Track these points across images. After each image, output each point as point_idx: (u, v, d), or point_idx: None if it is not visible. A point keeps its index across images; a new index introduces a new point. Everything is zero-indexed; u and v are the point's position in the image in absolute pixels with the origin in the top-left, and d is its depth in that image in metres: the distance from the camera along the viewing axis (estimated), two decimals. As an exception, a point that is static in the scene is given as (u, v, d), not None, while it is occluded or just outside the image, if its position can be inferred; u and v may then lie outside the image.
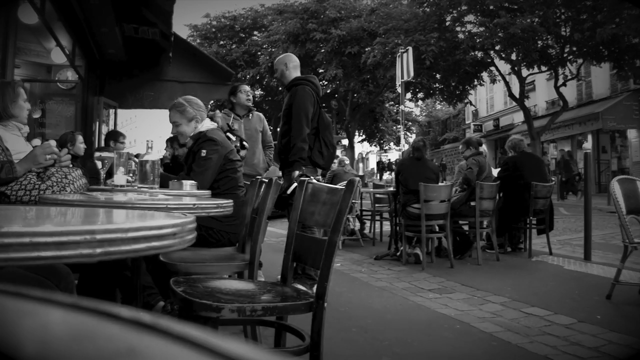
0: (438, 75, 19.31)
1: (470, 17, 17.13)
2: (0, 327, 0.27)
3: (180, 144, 3.36)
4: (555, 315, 3.15)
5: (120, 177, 2.51)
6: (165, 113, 3.12)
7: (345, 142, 23.38)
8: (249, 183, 2.94)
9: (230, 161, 2.94)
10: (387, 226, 6.97)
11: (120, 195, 2.07)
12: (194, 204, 1.74)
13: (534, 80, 21.83)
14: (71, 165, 2.34)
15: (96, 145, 6.98)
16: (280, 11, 20.08)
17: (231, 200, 2.02)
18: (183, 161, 3.14)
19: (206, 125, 2.99)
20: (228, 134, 3.48)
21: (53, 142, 2.16)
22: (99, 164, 2.57)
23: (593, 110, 18.90)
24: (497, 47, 16.59)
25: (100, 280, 2.28)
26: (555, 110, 19.63)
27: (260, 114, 4.47)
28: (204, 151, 2.83)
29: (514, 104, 21.23)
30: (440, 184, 5.19)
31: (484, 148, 7.20)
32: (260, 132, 4.34)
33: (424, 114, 38.62)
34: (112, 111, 8.36)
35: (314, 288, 2.11)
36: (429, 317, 3.11)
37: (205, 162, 2.82)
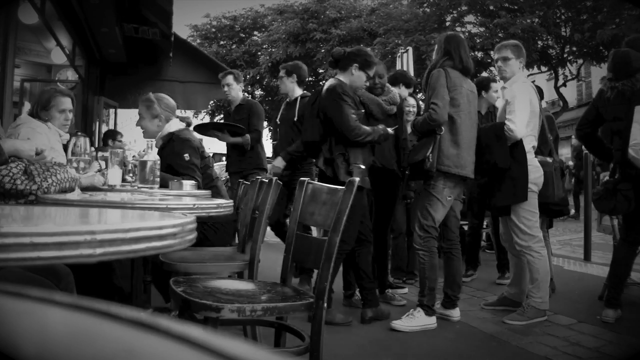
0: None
1: (470, 18, 17.12)
2: (0, 327, 0.27)
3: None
4: (555, 316, 3.15)
5: (114, 175, 2.49)
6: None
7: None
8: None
9: (203, 158, 2.98)
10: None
11: (120, 195, 2.07)
12: (194, 204, 1.74)
13: (534, 81, 21.64)
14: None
15: (96, 145, 6.99)
16: (281, 11, 20.05)
17: (231, 201, 2.02)
18: None
19: (175, 125, 2.97)
20: None
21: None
22: (102, 163, 2.57)
23: (593, 110, 18.84)
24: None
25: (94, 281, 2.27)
26: (555, 110, 19.59)
27: None
28: (186, 155, 2.83)
29: (514, 104, 21.20)
30: None
31: None
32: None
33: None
34: (112, 111, 8.36)
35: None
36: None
37: (192, 163, 2.84)
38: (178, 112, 3.25)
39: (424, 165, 2.93)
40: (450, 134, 2.99)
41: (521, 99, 3.12)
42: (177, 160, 2.83)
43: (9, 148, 1.97)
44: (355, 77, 3.12)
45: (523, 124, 3.07)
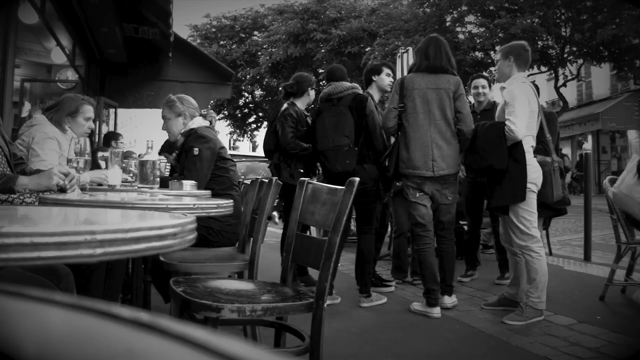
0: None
1: (470, 18, 17.12)
2: (0, 327, 0.27)
3: (172, 149, 3.45)
4: (555, 316, 3.15)
5: (114, 175, 2.49)
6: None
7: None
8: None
9: (222, 159, 2.93)
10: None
11: (120, 195, 2.07)
12: (194, 204, 1.74)
13: (534, 81, 21.63)
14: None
15: (96, 146, 6.99)
16: (281, 11, 20.06)
17: (231, 201, 2.02)
18: (175, 160, 3.15)
19: (197, 122, 2.98)
20: None
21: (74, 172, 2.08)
22: (102, 163, 2.57)
23: (593, 110, 18.88)
24: (498, 48, 16.56)
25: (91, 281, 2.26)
26: (555, 110, 19.62)
27: None
28: (196, 149, 2.82)
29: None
30: None
31: None
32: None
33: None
34: (112, 111, 8.36)
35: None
36: (429, 317, 3.11)
37: (199, 159, 2.81)
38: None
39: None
40: None
41: (520, 100, 3.12)
42: (189, 155, 2.84)
43: (25, 185, 1.92)
44: (310, 98, 4.05)
45: (523, 125, 3.07)
